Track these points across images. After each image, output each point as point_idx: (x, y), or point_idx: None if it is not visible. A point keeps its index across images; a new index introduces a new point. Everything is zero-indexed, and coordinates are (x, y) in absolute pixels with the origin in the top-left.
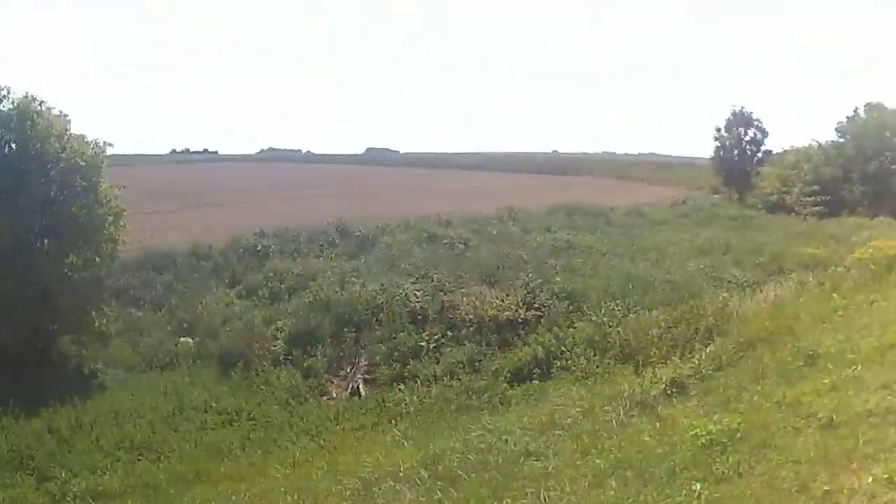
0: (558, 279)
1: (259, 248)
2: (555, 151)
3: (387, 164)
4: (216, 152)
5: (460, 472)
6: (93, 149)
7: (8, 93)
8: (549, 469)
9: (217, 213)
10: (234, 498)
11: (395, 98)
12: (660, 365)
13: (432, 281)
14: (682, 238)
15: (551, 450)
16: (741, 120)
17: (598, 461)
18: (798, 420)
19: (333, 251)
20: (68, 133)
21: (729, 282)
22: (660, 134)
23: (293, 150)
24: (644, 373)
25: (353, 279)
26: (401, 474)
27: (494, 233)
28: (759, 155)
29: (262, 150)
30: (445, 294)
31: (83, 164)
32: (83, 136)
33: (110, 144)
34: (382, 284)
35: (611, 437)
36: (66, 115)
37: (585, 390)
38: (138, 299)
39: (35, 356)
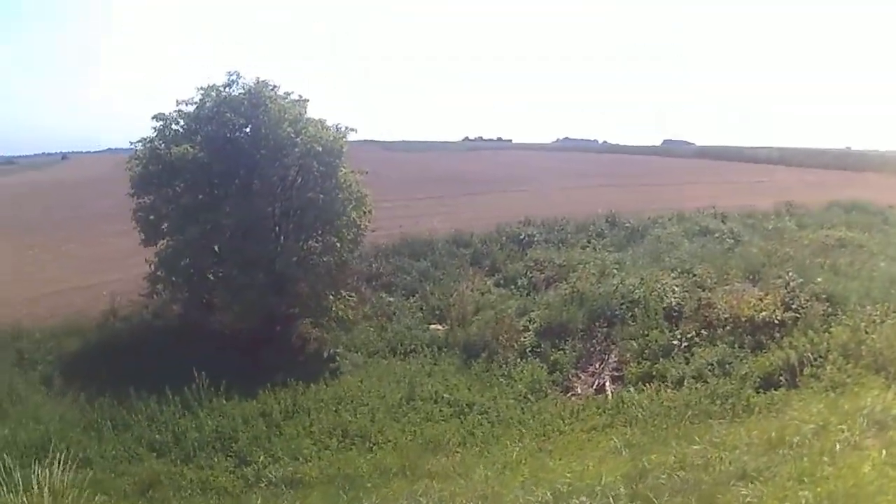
0: (819, 279)
1: (523, 236)
2: (848, 148)
3: (681, 156)
4: (510, 141)
5: (662, 492)
6: (333, 134)
7: (237, 77)
8: (757, 497)
9: (489, 200)
10: (421, 499)
11: (692, 92)
12: None
13: (693, 276)
14: None
15: (769, 472)
16: None
17: (807, 492)
18: None
19: (600, 242)
20: (304, 118)
21: None
22: None
23: (589, 141)
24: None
25: (615, 271)
26: (598, 489)
27: (770, 228)
28: None
29: (557, 140)
30: (704, 290)
31: (320, 149)
32: (322, 122)
33: (353, 130)
34: (642, 278)
35: (833, 462)
36: (304, 100)
37: (826, 403)
38: (391, 285)
39: (272, 339)
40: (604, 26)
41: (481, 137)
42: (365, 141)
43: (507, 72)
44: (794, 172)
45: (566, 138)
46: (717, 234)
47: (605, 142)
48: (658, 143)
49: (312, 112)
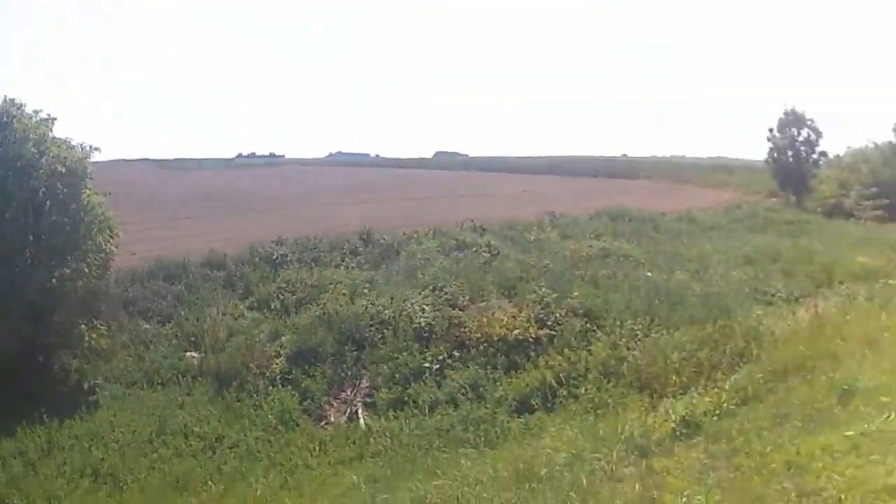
0: (576, 293)
1: (276, 256)
2: (624, 155)
3: (452, 168)
4: (282, 156)
5: None
6: (77, 154)
7: None
8: None
9: (249, 219)
10: None
11: (466, 101)
12: (679, 395)
13: (445, 294)
14: (730, 245)
15: None
16: (793, 120)
17: None
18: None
19: (354, 260)
20: (49, 137)
21: (772, 295)
22: (729, 136)
23: (362, 154)
24: (659, 405)
25: (366, 291)
26: None
27: (531, 240)
28: (814, 157)
29: (330, 154)
30: (455, 309)
31: (63, 170)
32: (67, 141)
33: (96, 149)
34: (393, 298)
35: (583, 499)
36: (50, 119)
37: (584, 427)
38: (147, 311)
39: (33, 371)
40: (369, 41)
41: (254, 153)
42: (140, 159)
43: (282, 87)
44: (562, 181)
45: (339, 152)
46: (474, 249)
47: (377, 155)
48: (430, 155)
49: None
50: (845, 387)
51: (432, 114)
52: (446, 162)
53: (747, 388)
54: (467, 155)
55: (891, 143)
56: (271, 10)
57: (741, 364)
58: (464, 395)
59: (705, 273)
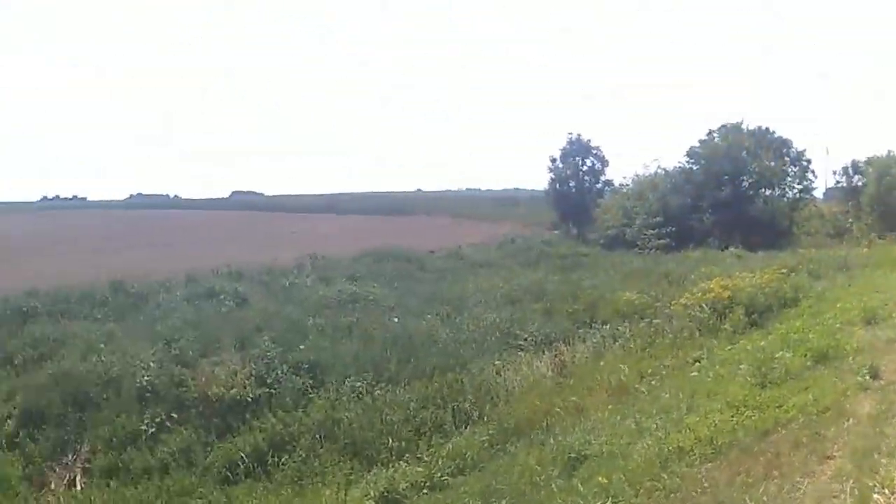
0: (302, 346)
1: (26, 308)
2: (419, 190)
3: (247, 209)
4: (84, 198)
5: None
6: None
7: None
8: None
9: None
10: None
11: (267, 139)
12: (393, 462)
13: (173, 349)
14: (494, 284)
15: None
16: (578, 148)
17: None
18: None
19: (101, 311)
20: None
21: (524, 339)
22: (525, 168)
23: (162, 195)
24: (368, 475)
25: (101, 346)
26: None
27: (286, 285)
28: (599, 185)
29: (130, 196)
30: (180, 366)
31: None
32: None
33: None
34: (125, 353)
35: None
36: None
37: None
38: None
39: None
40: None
41: (58, 196)
42: None
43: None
44: (341, 220)
45: (139, 194)
46: (222, 297)
47: (176, 196)
48: (227, 194)
49: None
50: (572, 454)
51: (230, 152)
52: (245, 201)
53: (467, 454)
54: (263, 194)
55: (681, 168)
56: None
57: (468, 424)
58: (175, 461)
59: (458, 317)
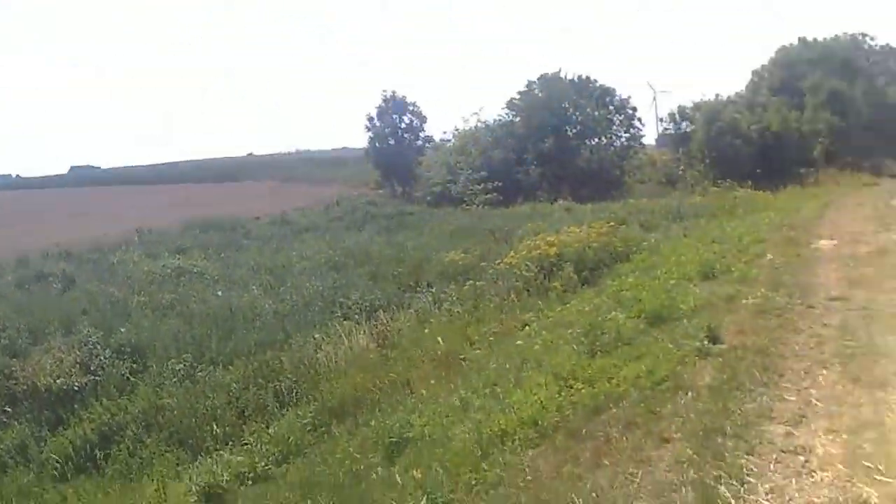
0: (123, 329)
1: None
2: (251, 154)
3: (88, 184)
4: None
5: None
6: None
7: None
8: None
9: None
10: None
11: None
12: (226, 448)
13: (2, 338)
14: (319, 249)
15: None
16: (395, 106)
17: None
18: None
19: None
20: None
21: (349, 307)
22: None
23: (3, 175)
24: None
25: None
26: None
27: (114, 262)
28: (419, 143)
29: None
30: (11, 356)
31: None
32: None
33: None
34: None
35: None
36: None
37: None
38: None
39: None
40: None
41: None
42: None
43: None
44: (172, 190)
45: None
46: (50, 279)
47: (18, 175)
48: (65, 170)
49: None
50: (393, 438)
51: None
52: (78, 178)
53: (289, 440)
54: (100, 168)
55: (500, 120)
56: None
57: (291, 405)
58: (12, 458)
59: (281, 287)
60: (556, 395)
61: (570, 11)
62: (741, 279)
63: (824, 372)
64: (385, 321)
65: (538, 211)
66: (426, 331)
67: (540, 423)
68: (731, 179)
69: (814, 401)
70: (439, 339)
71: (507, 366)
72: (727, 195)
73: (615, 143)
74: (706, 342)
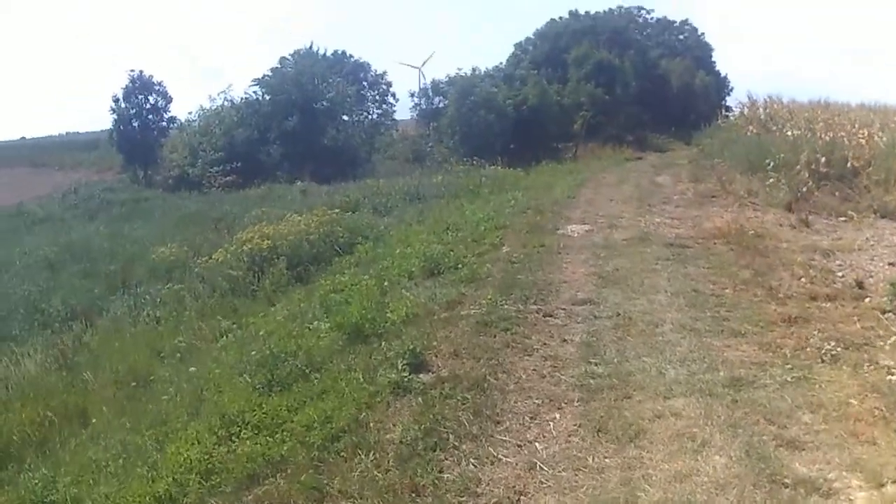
0: None
1: None
2: (23, 138)
3: None
4: None
5: None
6: None
7: None
8: None
9: None
10: None
11: None
12: None
13: None
14: (40, 244)
15: None
16: (141, 86)
17: None
18: None
19: None
20: None
21: (50, 314)
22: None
23: None
24: None
25: None
26: None
27: None
28: (164, 124)
29: None
30: None
31: None
32: None
33: None
34: None
35: None
36: None
37: None
38: None
39: None
40: None
41: None
42: None
43: None
44: None
45: None
46: None
47: None
48: None
49: None
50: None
51: None
52: None
53: None
54: None
55: (246, 99)
56: None
57: None
58: None
59: None
60: (213, 451)
61: None
62: (469, 278)
63: (557, 416)
64: (78, 332)
65: (274, 194)
66: (116, 344)
67: (174, 498)
68: (482, 156)
69: (539, 464)
70: (132, 349)
71: (178, 398)
72: (474, 174)
73: (365, 121)
74: (407, 372)
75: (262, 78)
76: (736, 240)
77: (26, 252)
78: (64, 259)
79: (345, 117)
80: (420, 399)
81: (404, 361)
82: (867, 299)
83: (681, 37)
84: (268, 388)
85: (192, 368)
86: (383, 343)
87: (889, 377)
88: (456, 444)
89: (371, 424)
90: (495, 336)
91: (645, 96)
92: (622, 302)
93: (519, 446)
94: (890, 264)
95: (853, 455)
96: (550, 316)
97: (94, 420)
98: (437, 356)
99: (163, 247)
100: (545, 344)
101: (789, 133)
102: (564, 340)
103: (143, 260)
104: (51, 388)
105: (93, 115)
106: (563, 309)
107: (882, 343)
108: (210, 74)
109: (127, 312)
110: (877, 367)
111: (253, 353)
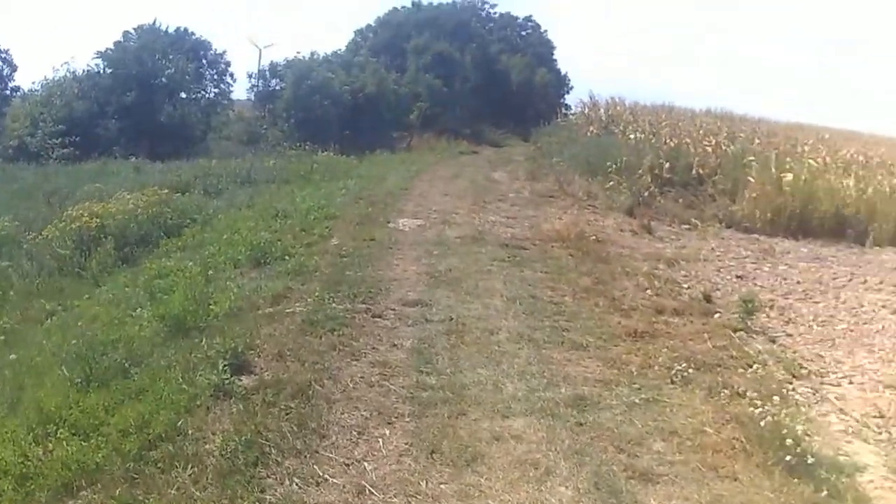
0: None
1: None
2: None
3: None
4: None
5: None
6: None
7: None
8: None
9: None
10: None
11: None
12: None
13: None
14: None
15: None
16: None
17: None
18: None
19: None
20: None
21: None
22: None
23: None
24: None
25: None
26: None
27: None
28: (7, 92)
29: None
30: None
31: None
32: None
33: None
34: None
35: None
36: None
37: None
38: None
39: None
40: None
41: None
42: None
43: None
44: None
45: None
46: None
47: None
48: None
49: None
50: None
51: None
52: None
53: None
54: None
55: (88, 71)
56: None
57: None
58: None
59: None
60: (29, 451)
61: None
62: (296, 270)
63: (387, 432)
64: None
65: (108, 170)
66: None
67: None
68: (316, 142)
69: (368, 487)
70: None
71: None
72: (306, 159)
73: (202, 100)
74: (228, 374)
75: (105, 51)
76: (575, 244)
77: None
78: None
79: (182, 95)
80: (241, 405)
81: (225, 362)
82: (717, 315)
83: (523, 33)
84: (86, 383)
85: (13, 356)
86: (205, 339)
87: (752, 409)
88: (279, 459)
89: (190, 432)
90: (321, 337)
91: (484, 90)
92: (455, 305)
93: (346, 465)
94: (738, 277)
95: (713, 491)
96: (379, 317)
97: None
98: (260, 356)
99: None
100: (374, 348)
101: (632, 136)
102: (394, 345)
103: None
104: None
105: None
106: (393, 310)
107: (735, 365)
108: (61, 45)
109: None
110: (732, 392)
111: (73, 341)
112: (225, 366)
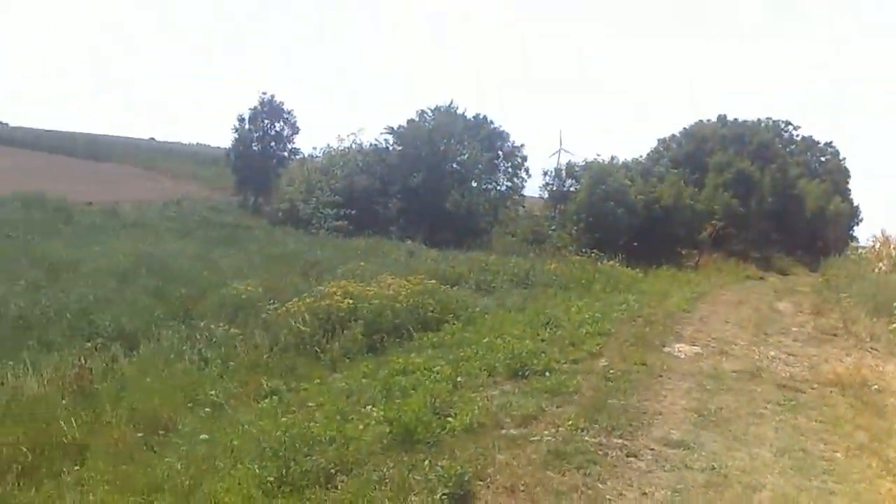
0: None
1: None
2: (152, 139)
3: None
4: None
5: None
6: None
7: None
8: None
9: None
10: None
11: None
12: None
13: None
14: (122, 250)
15: None
16: (270, 110)
17: None
18: None
19: None
20: None
21: (97, 327)
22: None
23: None
24: None
25: None
26: None
27: None
28: (285, 154)
29: None
30: None
31: None
32: None
33: None
34: None
35: None
36: None
37: None
38: None
39: None
40: None
41: None
42: None
43: None
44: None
45: None
46: None
47: None
48: None
49: None
50: None
51: None
52: None
53: None
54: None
55: (376, 146)
56: None
57: None
58: None
59: (50, 288)
60: None
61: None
62: (555, 389)
63: None
64: (114, 354)
65: (379, 248)
66: (148, 379)
67: None
68: (602, 249)
69: None
70: (159, 390)
71: (180, 466)
72: (590, 267)
73: (492, 191)
74: None
75: (397, 128)
76: (855, 392)
77: (105, 254)
78: (137, 271)
79: (473, 183)
80: None
81: (446, 490)
82: None
83: (822, 158)
84: (278, 486)
85: (204, 436)
86: (431, 457)
87: None
88: None
89: None
90: (565, 474)
91: (777, 214)
92: (720, 452)
93: None
94: None
95: None
96: (635, 456)
97: (87, 461)
98: (488, 488)
99: (240, 282)
100: (621, 494)
101: None
102: (644, 493)
103: (217, 291)
104: (51, 412)
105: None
106: (652, 449)
107: None
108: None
109: (175, 345)
110: None
111: (281, 431)
112: (444, 495)
